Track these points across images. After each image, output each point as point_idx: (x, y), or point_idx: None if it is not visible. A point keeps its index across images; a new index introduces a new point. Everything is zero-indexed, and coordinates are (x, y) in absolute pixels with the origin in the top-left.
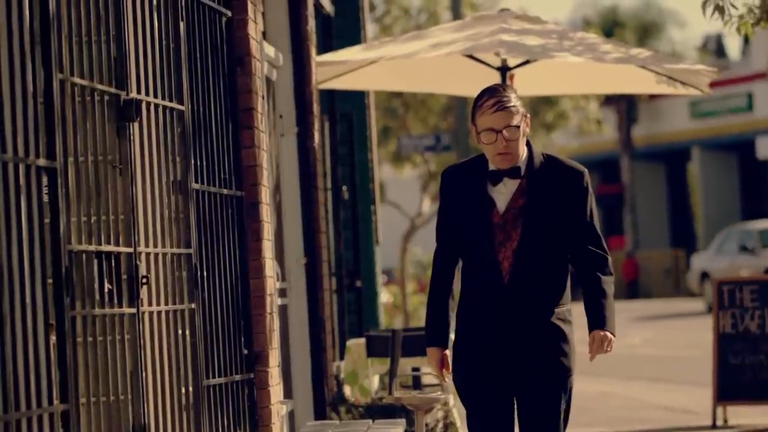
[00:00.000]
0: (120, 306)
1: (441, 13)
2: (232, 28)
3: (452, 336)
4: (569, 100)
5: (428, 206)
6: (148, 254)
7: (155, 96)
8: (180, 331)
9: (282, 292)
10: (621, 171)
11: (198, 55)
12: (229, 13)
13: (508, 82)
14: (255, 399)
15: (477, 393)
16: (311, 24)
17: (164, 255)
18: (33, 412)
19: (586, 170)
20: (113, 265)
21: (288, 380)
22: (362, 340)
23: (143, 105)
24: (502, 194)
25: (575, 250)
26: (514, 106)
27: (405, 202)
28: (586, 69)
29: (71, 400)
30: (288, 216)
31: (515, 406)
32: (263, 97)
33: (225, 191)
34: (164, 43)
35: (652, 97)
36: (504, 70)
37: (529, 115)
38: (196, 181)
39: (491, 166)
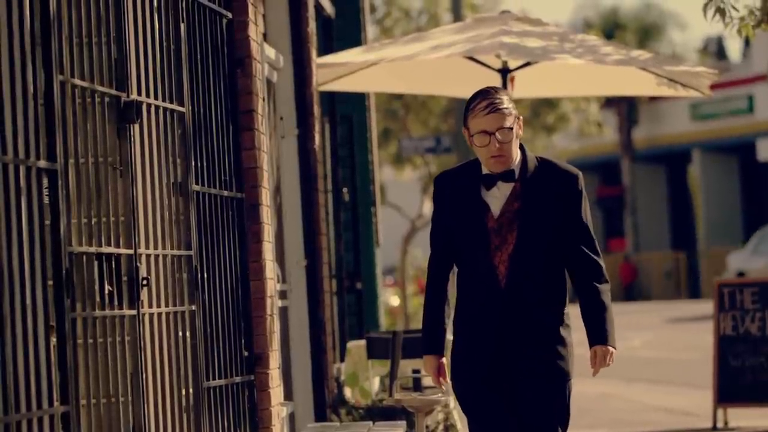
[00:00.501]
0: (120, 308)
1: (441, 15)
2: (233, 29)
3: (449, 337)
4: (570, 102)
5: (429, 208)
6: (148, 256)
7: (156, 97)
8: (180, 333)
9: (282, 294)
10: (621, 173)
11: (198, 57)
12: (230, 15)
13: (508, 84)
14: (255, 401)
15: (476, 398)
16: (312, 26)
17: (164, 257)
18: (33, 414)
19: (580, 173)
20: (113, 266)
21: (288, 382)
22: (362, 342)
23: (144, 106)
24: (497, 198)
25: (570, 253)
26: (506, 108)
27: (405, 203)
28: (586, 71)
29: (71, 402)
30: (288, 218)
31: (514, 410)
32: (264, 99)
33: (225, 193)
34: (165, 44)
35: (653, 99)
36: (504, 72)
37: (521, 117)
38: (197, 183)
39: (484, 170)
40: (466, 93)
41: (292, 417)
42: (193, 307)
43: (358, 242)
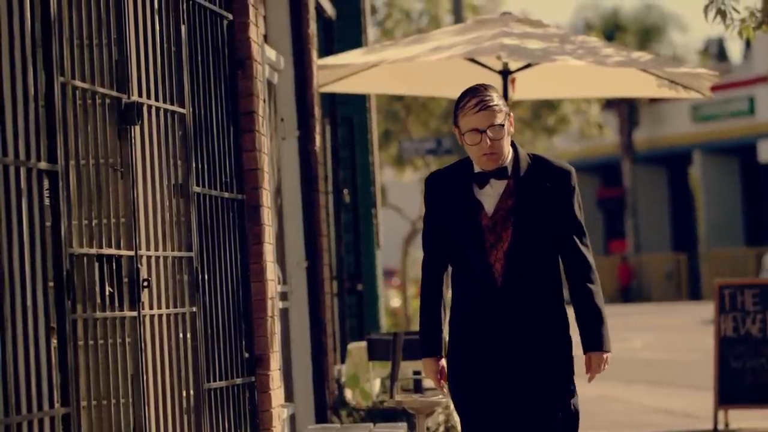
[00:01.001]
0: (121, 309)
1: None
2: (234, 31)
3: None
4: (570, 104)
5: None
6: (149, 257)
7: (156, 99)
8: (181, 335)
9: (283, 296)
10: (622, 175)
11: (199, 59)
12: (231, 17)
13: (509, 85)
14: (256, 402)
15: (472, 400)
16: (312, 27)
17: (165, 258)
18: (34, 415)
19: (573, 169)
20: (114, 268)
21: (289, 383)
22: (363, 344)
23: (144, 108)
24: (490, 196)
25: (563, 249)
26: (496, 105)
27: (406, 205)
28: (587, 72)
29: (72, 403)
30: (289, 219)
31: (512, 413)
32: (264, 101)
33: (226, 194)
34: (165, 46)
35: (654, 100)
36: (505, 73)
37: (512, 114)
38: (197, 185)
39: (476, 168)
40: None
41: (292, 418)
42: (194, 309)
43: (358, 244)
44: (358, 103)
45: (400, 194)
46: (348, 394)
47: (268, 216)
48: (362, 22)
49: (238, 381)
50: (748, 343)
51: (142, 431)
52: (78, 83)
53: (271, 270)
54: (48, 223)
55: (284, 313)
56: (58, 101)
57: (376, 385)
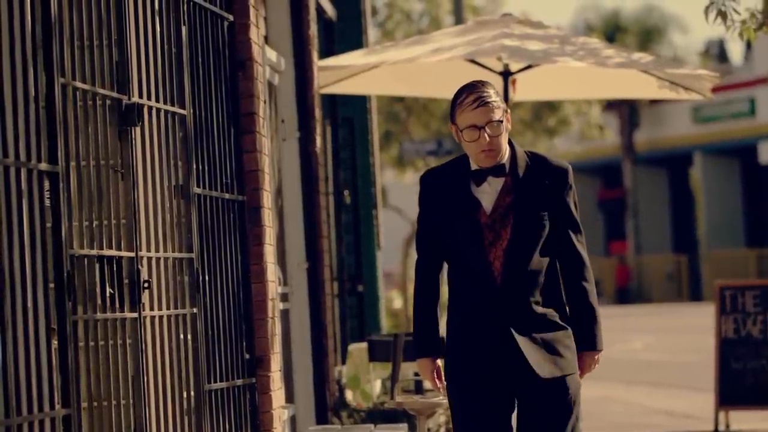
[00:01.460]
0: (122, 310)
1: (443, 18)
2: (234, 32)
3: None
4: (571, 105)
5: None
6: (149, 258)
7: (157, 100)
8: (181, 336)
9: (284, 297)
10: (623, 176)
11: (200, 60)
12: (231, 18)
13: (510, 86)
14: (256, 403)
15: (473, 399)
16: (313, 28)
17: (166, 259)
18: (35, 417)
19: (570, 166)
20: (115, 269)
21: (289, 385)
22: (364, 345)
23: (145, 109)
24: (488, 193)
25: (559, 246)
26: (494, 101)
27: (407, 206)
28: (588, 74)
29: (73, 405)
30: (290, 220)
31: (514, 414)
32: (265, 102)
33: (227, 195)
34: (166, 47)
35: (654, 101)
36: (506, 74)
37: (509, 111)
38: (198, 186)
39: (474, 166)
40: None
41: (293, 420)
42: (195, 310)
43: (359, 245)
44: (358, 104)
45: (401, 195)
46: (349, 395)
47: (268, 217)
48: (363, 24)
49: (239, 382)
50: (749, 345)
51: None
52: (79, 84)
53: (272, 271)
54: (48, 224)
55: (285, 315)
56: (59, 102)
57: (377, 386)
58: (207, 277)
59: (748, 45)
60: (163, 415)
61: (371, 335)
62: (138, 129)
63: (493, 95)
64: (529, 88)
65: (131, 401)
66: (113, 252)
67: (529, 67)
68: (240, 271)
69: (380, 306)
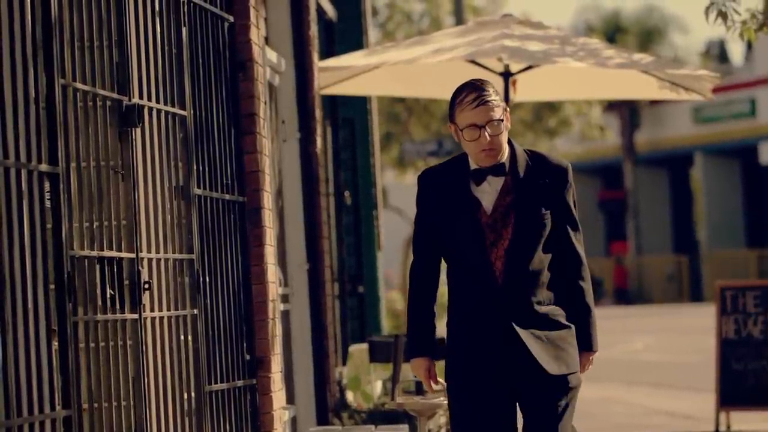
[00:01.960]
0: (122, 311)
1: (443, 19)
2: (235, 33)
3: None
4: (572, 106)
5: None
6: (150, 260)
7: (157, 101)
8: (182, 337)
9: (284, 298)
10: (624, 176)
11: (200, 61)
12: (232, 19)
13: (510, 87)
14: (257, 404)
15: (477, 400)
16: (313, 29)
17: (166, 260)
18: (35, 418)
19: (569, 165)
20: (115, 270)
21: (290, 386)
22: (364, 346)
23: (145, 110)
24: (488, 193)
25: (557, 244)
26: (494, 100)
27: (407, 207)
28: (588, 74)
29: (73, 406)
30: (290, 221)
31: (513, 412)
32: (265, 103)
33: (227, 196)
34: (166, 48)
35: (655, 102)
36: (506, 75)
37: (508, 109)
38: (198, 187)
39: (473, 165)
40: None
41: (294, 421)
42: (195, 311)
43: (360, 245)
44: (359, 104)
45: (402, 196)
46: (349, 396)
47: (269, 218)
48: (363, 24)
49: (239, 383)
50: (750, 345)
51: None
52: (79, 85)
53: (272, 272)
54: (49, 226)
55: (285, 316)
56: (59, 103)
57: (378, 387)
58: (207, 278)
59: (749, 45)
60: (164, 416)
61: (372, 336)
62: (138, 130)
63: (493, 94)
64: (529, 89)
65: (132, 402)
66: (114, 253)
67: (529, 67)
68: (240, 272)
69: (381, 307)
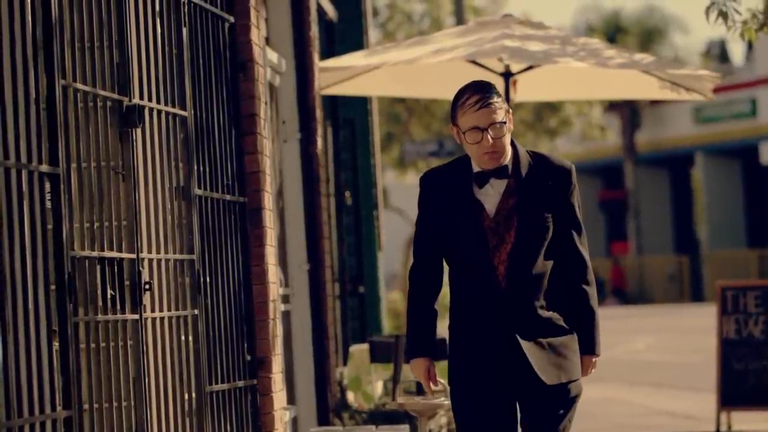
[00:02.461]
0: (123, 312)
1: (444, 19)
2: (235, 33)
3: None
4: (572, 106)
5: None
6: (150, 260)
7: (158, 102)
8: (183, 337)
9: (285, 298)
10: (624, 177)
11: (201, 61)
12: (232, 19)
13: (511, 87)
14: (258, 405)
15: (479, 403)
16: (314, 29)
17: (167, 261)
18: (36, 419)
19: (573, 166)
20: (116, 271)
21: (291, 386)
22: (365, 346)
23: (146, 111)
24: (490, 196)
25: (561, 247)
26: (497, 102)
27: (408, 207)
28: (589, 74)
29: (74, 407)
30: (291, 222)
31: (514, 415)
32: (266, 103)
33: (228, 197)
34: (167, 48)
35: (655, 102)
36: (507, 75)
37: (511, 111)
38: (199, 187)
39: (476, 168)
40: None
41: (294, 421)
42: (196, 312)
43: (360, 246)
44: (359, 105)
45: (402, 196)
46: (350, 396)
47: (269, 218)
48: (364, 24)
49: (240, 384)
50: (751, 345)
51: None
52: (79, 86)
53: (273, 273)
54: (49, 226)
55: (286, 316)
56: (60, 104)
57: (378, 387)
58: (208, 279)
59: (750, 45)
60: (165, 417)
61: (372, 336)
62: (139, 130)
63: (495, 96)
64: (530, 89)
65: (132, 403)
66: (114, 253)
67: (530, 67)
68: (241, 272)
69: (381, 307)
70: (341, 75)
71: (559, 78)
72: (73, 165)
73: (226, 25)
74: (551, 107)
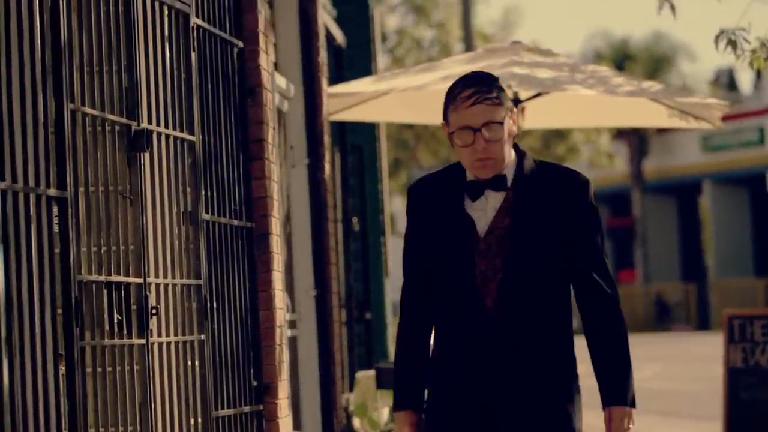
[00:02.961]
0: (129, 336)
1: (453, 45)
2: (244, 59)
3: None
4: (580, 134)
5: None
6: (158, 285)
7: (166, 126)
8: (189, 362)
9: (292, 324)
10: (632, 204)
11: (209, 86)
12: (241, 44)
13: (519, 114)
14: (264, 431)
15: None
16: (323, 55)
17: (174, 286)
18: None
19: (588, 180)
20: (123, 295)
21: (297, 412)
22: (372, 372)
23: (154, 135)
24: (484, 211)
25: (577, 283)
26: (496, 98)
27: None
28: (597, 102)
29: (80, 431)
30: (298, 247)
31: None
32: (274, 128)
33: (235, 222)
34: (176, 73)
35: (663, 130)
36: (515, 102)
37: (517, 109)
38: (207, 212)
39: (469, 176)
40: None
41: None
42: (203, 337)
43: (367, 272)
44: (367, 131)
45: None
46: (356, 422)
47: (277, 244)
48: (372, 50)
49: (246, 409)
50: (757, 374)
51: None
52: (88, 110)
53: (280, 298)
54: (57, 250)
55: (293, 342)
56: (68, 128)
57: (385, 413)
58: (215, 304)
59: (758, 74)
60: None
61: (379, 363)
62: (147, 155)
63: (495, 90)
64: (538, 116)
65: (139, 428)
66: (121, 278)
67: (538, 95)
68: (248, 297)
69: (388, 333)
70: (350, 101)
71: (568, 105)
72: (81, 189)
73: (235, 50)
74: (559, 134)
